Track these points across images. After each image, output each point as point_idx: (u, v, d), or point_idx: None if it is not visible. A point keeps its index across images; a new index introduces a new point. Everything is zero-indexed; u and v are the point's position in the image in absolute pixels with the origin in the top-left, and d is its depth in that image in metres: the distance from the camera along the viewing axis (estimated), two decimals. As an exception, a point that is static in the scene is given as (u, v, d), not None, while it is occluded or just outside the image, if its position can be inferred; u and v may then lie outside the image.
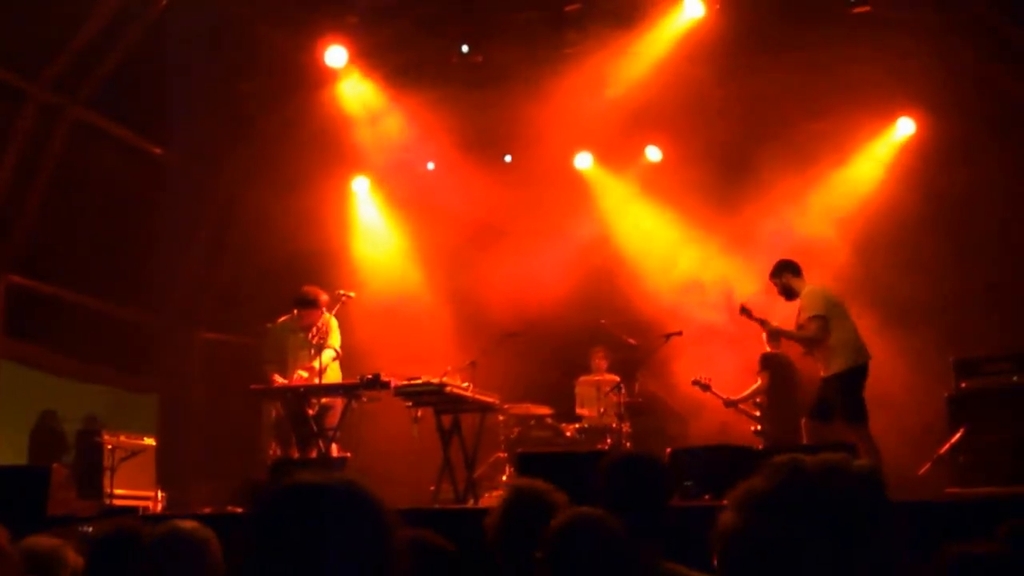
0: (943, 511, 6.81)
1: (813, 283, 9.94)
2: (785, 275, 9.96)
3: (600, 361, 12.92)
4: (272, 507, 1.95)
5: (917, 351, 11.07)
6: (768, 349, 11.77)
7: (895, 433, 10.09)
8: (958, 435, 10.43)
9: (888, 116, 13.09)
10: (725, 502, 1.73)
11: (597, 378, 12.70)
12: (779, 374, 11.55)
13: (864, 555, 1.59)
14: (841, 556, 1.58)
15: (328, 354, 10.55)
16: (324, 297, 10.86)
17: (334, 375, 10.65)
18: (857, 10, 11.68)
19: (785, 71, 12.84)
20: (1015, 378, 10.44)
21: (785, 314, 10.29)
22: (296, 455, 10.32)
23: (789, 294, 9.95)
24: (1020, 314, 11.71)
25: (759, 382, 11.67)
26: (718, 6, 12.03)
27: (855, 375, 9.41)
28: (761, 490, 1.66)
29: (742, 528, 1.64)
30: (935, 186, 12.41)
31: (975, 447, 10.34)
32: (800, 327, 9.78)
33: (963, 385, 10.76)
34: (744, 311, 10.01)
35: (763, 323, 9.98)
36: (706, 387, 11.52)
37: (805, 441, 9.58)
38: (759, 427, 11.67)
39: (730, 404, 11.62)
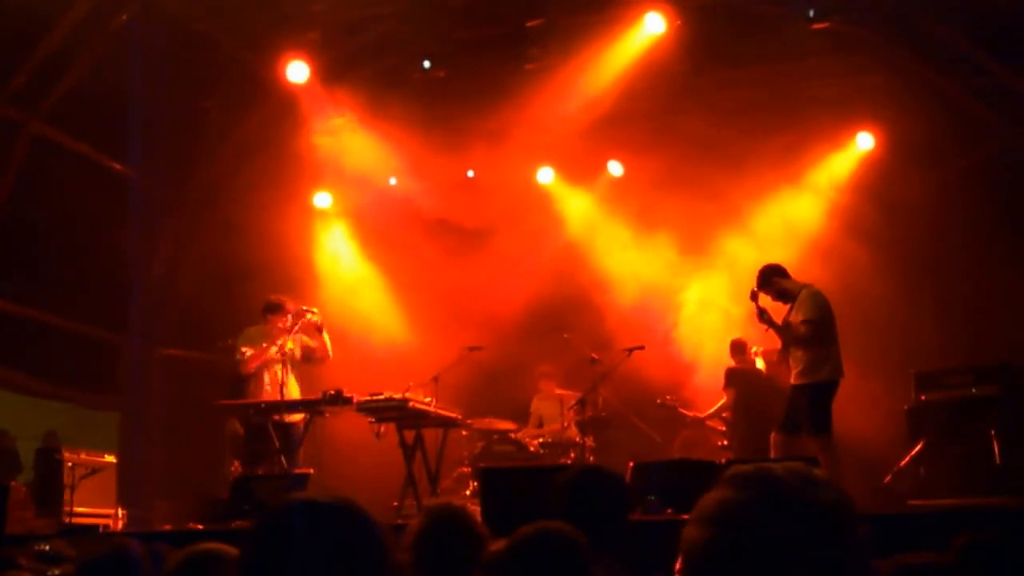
0: (904, 523, 6.86)
1: (810, 285, 9.71)
2: (774, 279, 9.68)
3: (546, 381, 12.93)
4: (269, 525, 1.94)
5: (877, 363, 11.14)
6: (733, 363, 11.85)
7: (856, 445, 10.15)
8: (918, 447, 10.52)
9: (847, 131, 13.20)
10: (687, 516, 1.70)
11: (559, 392, 12.73)
12: (745, 390, 11.62)
13: (838, 566, 1.59)
14: (816, 567, 1.57)
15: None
16: (290, 304, 10.88)
17: (293, 391, 10.69)
18: (816, 26, 11.77)
19: (745, 86, 12.96)
20: (974, 390, 10.55)
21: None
22: (258, 471, 10.26)
23: (785, 296, 9.67)
24: (979, 327, 11.81)
25: (725, 398, 11.75)
26: (679, 22, 12.09)
27: (829, 389, 9.27)
28: (731, 503, 1.63)
29: (713, 543, 1.61)
30: (894, 200, 12.54)
31: (935, 459, 10.43)
32: (788, 324, 9.51)
33: (923, 397, 10.86)
34: (753, 296, 9.71)
35: (763, 313, 9.67)
36: (671, 407, 11.56)
37: (773, 455, 9.48)
38: (725, 442, 11.75)
39: (696, 422, 11.69)
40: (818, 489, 1.64)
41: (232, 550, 3.56)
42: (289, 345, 10.73)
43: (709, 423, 12.11)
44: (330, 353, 10.99)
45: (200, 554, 3.53)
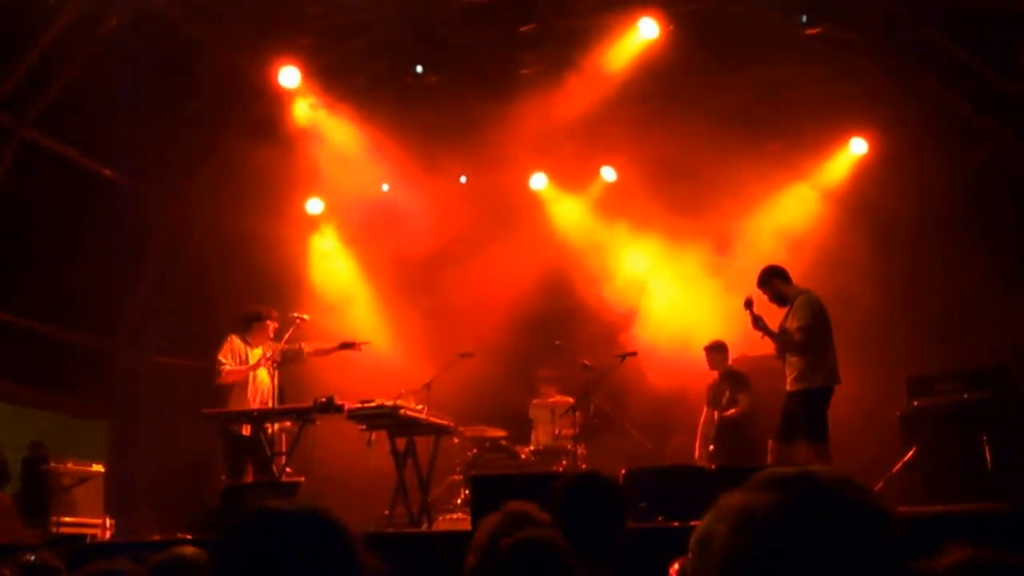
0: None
1: (807, 291, 9.65)
2: (774, 281, 9.64)
3: (547, 386, 12.86)
4: (240, 535, 1.90)
5: (869, 369, 11.09)
6: (709, 367, 11.67)
7: (848, 451, 10.10)
8: (910, 453, 10.49)
9: (840, 135, 13.17)
10: (678, 524, 1.65)
11: (551, 400, 12.67)
12: (751, 396, 11.51)
13: (887, 565, 1.57)
14: (864, 567, 1.54)
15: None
16: (273, 313, 10.84)
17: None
18: (809, 31, 11.76)
19: (738, 91, 12.93)
20: (966, 395, 10.53)
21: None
22: (248, 480, 10.19)
23: (782, 300, 9.61)
24: (970, 332, 11.78)
25: (740, 404, 11.49)
26: (672, 27, 12.06)
27: (825, 395, 9.25)
28: (775, 506, 1.58)
29: (756, 547, 1.55)
30: (886, 204, 12.52)
31: (927, 465, 10.39)
32: (784, 331, 9.48)
33: (915, 403, 10.84)
34: (748, 304, 9.60)
35: (757, 320, 9.55)
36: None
37: (769, 462, 9.37)
38: (712, 447, 11.53)
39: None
40: (858, 491, 1.63)
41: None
42: (265, 353, 10.68)
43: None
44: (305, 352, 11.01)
45: (174, 559, 3.49)
